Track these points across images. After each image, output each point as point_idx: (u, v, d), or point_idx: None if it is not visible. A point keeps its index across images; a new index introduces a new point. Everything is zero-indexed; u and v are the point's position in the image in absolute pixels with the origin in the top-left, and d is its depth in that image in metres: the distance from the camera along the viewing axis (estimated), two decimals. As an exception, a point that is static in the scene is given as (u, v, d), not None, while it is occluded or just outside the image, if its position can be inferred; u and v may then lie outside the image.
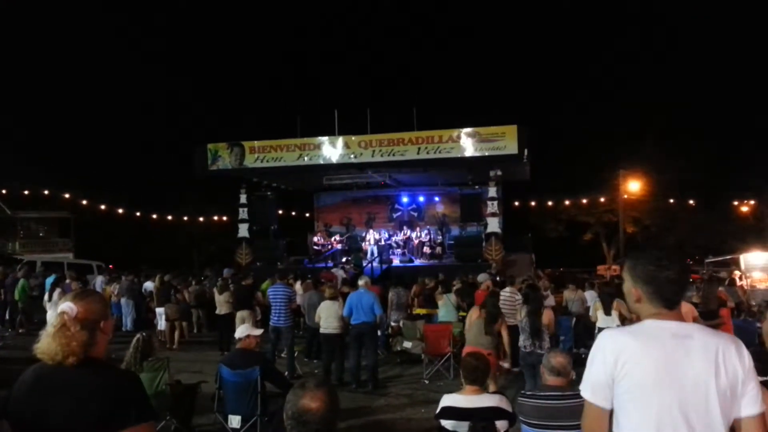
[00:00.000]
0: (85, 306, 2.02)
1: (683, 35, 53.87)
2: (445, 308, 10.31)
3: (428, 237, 21.77)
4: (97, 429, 1.88)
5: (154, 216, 35.27)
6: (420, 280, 13.38)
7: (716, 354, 1.84)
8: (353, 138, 19.10)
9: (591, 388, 1.95)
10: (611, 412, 1.95)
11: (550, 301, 11.99)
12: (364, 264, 19.03)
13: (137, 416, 1.93)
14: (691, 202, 30.98)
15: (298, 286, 12.60)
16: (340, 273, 15.92)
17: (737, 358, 1.85)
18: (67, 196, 32.15)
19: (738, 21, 49.88)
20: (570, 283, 12.61)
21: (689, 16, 53.40)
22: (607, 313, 7.88)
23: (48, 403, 1.92)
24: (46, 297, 12.32)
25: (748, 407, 1.85)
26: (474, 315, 6.98)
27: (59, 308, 2.03)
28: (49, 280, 13.52)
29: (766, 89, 43.52)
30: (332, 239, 22.48)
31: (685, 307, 7.67)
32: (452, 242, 21.34)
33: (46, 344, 1.95)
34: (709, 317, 9.00)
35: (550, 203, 32.39)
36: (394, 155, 18.59)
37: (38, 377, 1.98)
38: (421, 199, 24.37)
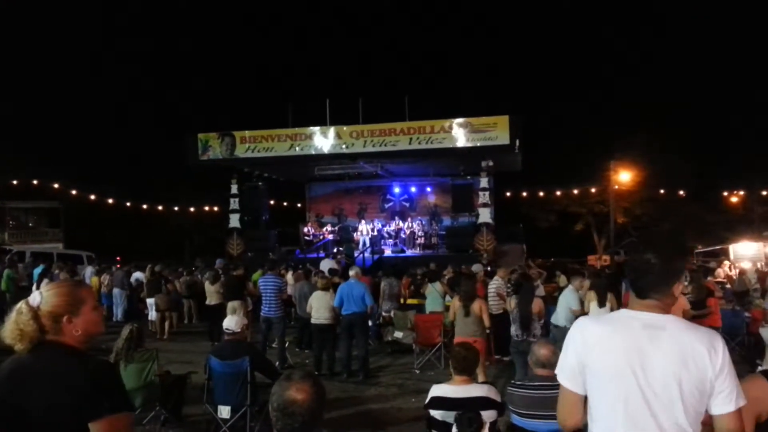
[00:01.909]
0: (48, 299, 2.02)
1: (678, 31, 53.97)
2: (431, 297, 10.33)
3: (420, 227, 21.80)
4: (70, 418, 1.86)
5: (145, 206, 35.03)
6: (410, 271, 13.39)
7: (687, 348, 1.81)
8: (345, 128, 19.03)
9: (565, 373, 2.00)
10: (585, 399, 1.97)
11: (540, 291, 12.04)
12: (356, 254, 19.02)
13: (111, 406, 1.90)
14: (682, 192, 31.14)
15: (289, 276, 12.59)
16: (324, 264, 15.68)
17: (708, 355, 1.81)
18: (56, 186, 31.84)
19: (731, 15, 49.99)
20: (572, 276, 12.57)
21: (681, 10, 53.41)
22: (602, 304, 7.57)
23: (22, 392, 1.92)
24: (34, 287, 12.24)
25: (722, 405, 1.82)
26: (455, 303, 7.13)
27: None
28: (37, 271, 13.43)
29: (756, 82, 43.67)
30: (324, 229, 22.45)
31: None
32: (444, 233, 21.39)
33: (7, 330, 1.99)
34: (697, 307, 9.05)
35: (541, 194, 32.43)
36: (385, 145, 18.55)
37: (14, 366, 1.99)
38: (413, 189, 24.35)
